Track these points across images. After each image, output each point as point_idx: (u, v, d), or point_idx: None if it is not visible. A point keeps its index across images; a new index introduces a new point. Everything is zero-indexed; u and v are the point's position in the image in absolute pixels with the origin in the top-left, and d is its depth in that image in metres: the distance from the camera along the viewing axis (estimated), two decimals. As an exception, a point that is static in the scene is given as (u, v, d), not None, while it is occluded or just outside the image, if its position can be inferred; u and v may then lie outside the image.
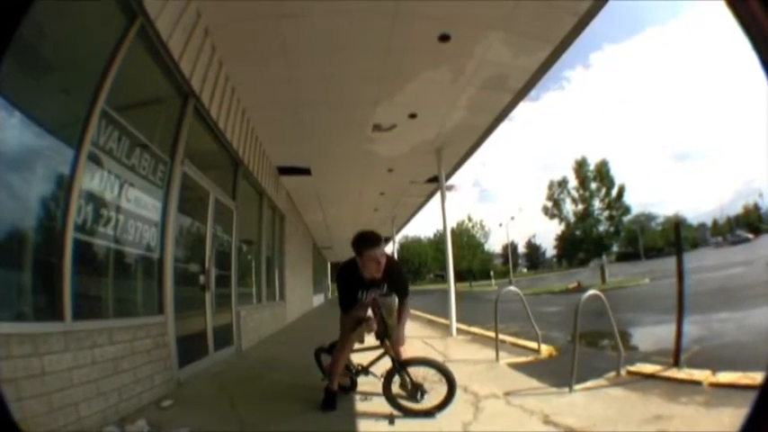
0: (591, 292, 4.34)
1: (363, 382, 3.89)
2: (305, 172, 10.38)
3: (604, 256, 37.70)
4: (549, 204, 41.57)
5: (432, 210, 18.61)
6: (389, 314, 3.73)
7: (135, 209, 3.89)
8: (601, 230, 38.90)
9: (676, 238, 5.75)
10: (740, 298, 11.76)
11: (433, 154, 8.85)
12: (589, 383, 3.89)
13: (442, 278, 31.48)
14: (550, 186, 41.76)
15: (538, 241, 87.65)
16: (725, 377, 3.48)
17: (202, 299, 5.66)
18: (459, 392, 3.36)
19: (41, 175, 2.87)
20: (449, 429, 3.06)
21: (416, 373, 3.37)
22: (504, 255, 68.91)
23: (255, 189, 8.91)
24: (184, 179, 4.90)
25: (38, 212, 2.85)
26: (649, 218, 71.19)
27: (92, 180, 3.25)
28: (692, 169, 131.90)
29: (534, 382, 4.17)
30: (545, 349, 5.69)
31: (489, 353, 5.68)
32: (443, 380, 3.27)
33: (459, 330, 8.11)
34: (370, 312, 3.62)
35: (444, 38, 5.19)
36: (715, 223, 75.21)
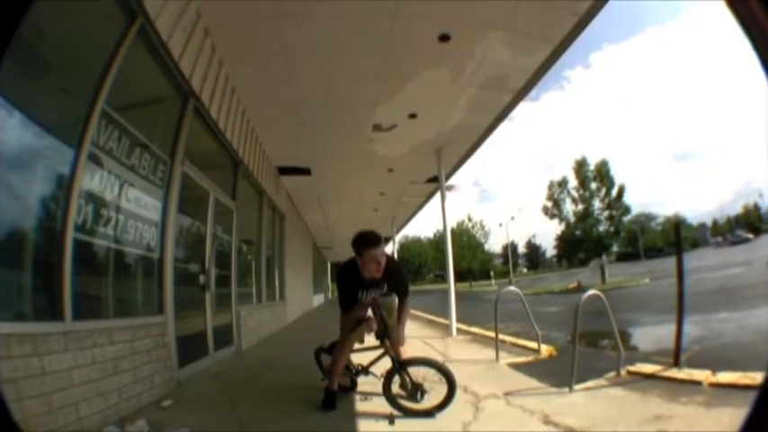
0: (591, 292, 4.34)
1: (363, 382, 3.89)
2: (305, 172, 10.38)
3: (604, 256, 37.70)
4: (549, 204, 41.60)
5: (432, 210, 18.64)
6: (389, 314, 3.73)
7: (135, 209, 3.89)
8: (601, 230, 38.91)
9: (676, 238, 5.75)
10: (740, 298, 11.77)
11: (432, 154, 8.85)
12: (589, 383, 3.89)
13: (442, 278, 31.48)
14: (550, 186, 41.80)
15: (538, 241, 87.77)
16: (725, 377, 3.47)
17: (202, 299, 5.66)
18: (459, 392, 3.36)
19: (41, 174, 2.87)
20: (449, 429, 3.06)
21: (416, 373, 3.37)
22: (504, 255, 68.93)
23: (255, 189, 8.91)
24: (184, 179, 4.90)
25: (38, 212, 2.85)
26: (649, 218, 71.28)
27: (92, 180, 3.25)
28: (691, 169, 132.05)
29: (534, 382, 4.17)
30: (545, 349, 5.69)
31: (489, 353, 5.68)
32: (443, 380, 3.27)
33: (459, 330, 8.10)
34: (370, 312, 3.62)
35: (444, 38, 5.19)
36: (715, 223, 75.26)
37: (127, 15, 3.60)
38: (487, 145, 9.12)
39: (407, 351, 3.72)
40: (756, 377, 3.17)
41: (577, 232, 40.37)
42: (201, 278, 5.65)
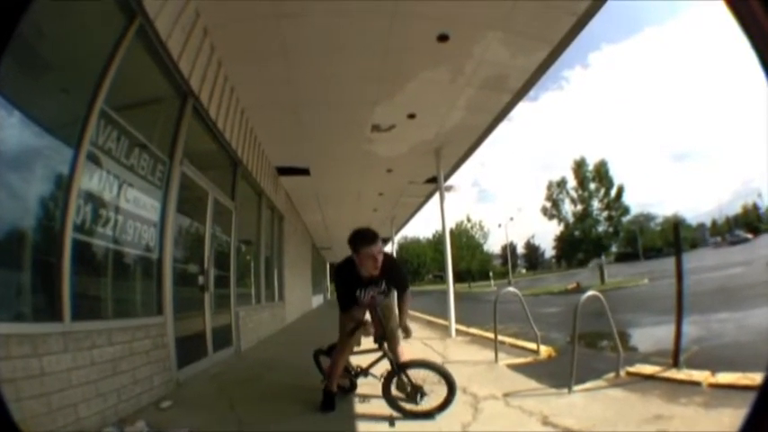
0: (590, 292, 4.35)
1: (363, 384, 3.88)
2: (304, 172, 10.38)
3: (603, 257, 37.64)
4: (548, 205, 41.56)
5: (431, 210, 18.66)
6: (388, 316, 3.73)
7: (134, 209, 3.88)
8: (600, 231, 38.88)
9: (675, 238, 5.77)
10: (740, 298, 11.76)
11: (431, 154, 8.85)
12: (588, 384, 3.89)
13: (441, 279, 31.47)
14: (549, 187, 41.75)
15: (537, 242, 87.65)
16: (724, 378, 3.48)
17: (201, 299, 5.65)
18: (458, 393, 3.36)
19: (40, 174, 2.87)
20: (448, 430, 3.06)
21: (416, 375, 3.36)
22: (504, 255, 68.89)
23: (254, 189, 8.90)
24: (183, 179, 4.90)
25: (37, 212, 2.85)
26: (648, 218, 71.20)
27: (91, 180, 3.25)
28: (690, 169, 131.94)
29: (533, 383, 4.17)
30: (544, 350, 5.69)
31: (488, 354, 5.68)
32: (443, 381, 3.26)
33: (458, 331, 8.10)
34: (368, 316, 3.61)
35: (443, 38, 5.19)
36: (714, 223, 75.16)
37: (126, 15, 3.60)
38: (486, 145, 9.15)
39: (406, 352, 3.72)
40: (756, 378, 3.17)
41: (576, 233, 40.34)
42: (200, 279, 5.64)
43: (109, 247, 3.59)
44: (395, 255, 19.15)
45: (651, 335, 8.42)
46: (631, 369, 4.14)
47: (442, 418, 3.23)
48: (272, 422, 3.39)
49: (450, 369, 3.36)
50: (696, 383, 3.51)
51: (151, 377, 3.85)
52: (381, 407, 3.41)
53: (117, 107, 3.47)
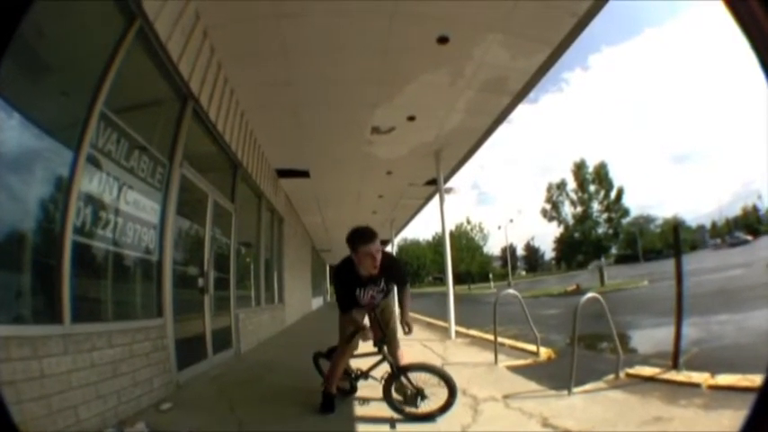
0: (590, 294, 4.35)
1: (363, 387, 3.87)
2: (304, 174, 10.38)
3: (603, 259, 37.72)
4: (548, 207, 41.72)
5: (430, 212, 18.63)
6: (388, 316, 3.73)
7: (134, 211, 3.88)
8: (599, 233, 39.01)
9: (675, 240, 5.76)
10: (739, 300, 11.76)
11: (431, 156, 8.87)
12: (588, 386, 3.89)
13: (441, 281, 31.42)
14: (549, 189, 41.95)
15: (536, 244, 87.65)
16: (724, 379, 3.47)
17: (201, 302, 5.64)
18: (458, 395, 3.35)
19: (40, 176, 2.87)
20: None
21: (416, 377, 3.36)
22: (503, 257, 68.73)
23: (254, 191, 8.90)
24: (183, 181, 4.90)
25: (37, 214, 2.85)
26: (648, 220, 71.10)
27: (91, 182, 3.25)
28: (690, 171, 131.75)
29: (533, 385, 4.17)
30: (544, 352, 5.69)
31: (488, 356, 5.67)
32: (443, 384, 3.26)
33: (457, 333, 8.09)
34: (367, 320, 3.61)
35: (443, 40, 5.20)
36: (714, 225, 75.10)
37: (126, 16, 3.60)
38: (486, 147, 9.15)
39: (406, 354, 3.72)
40: (755, 379, 3.17)
41: (576, 235, 40.48)
42: (200, 281, 5.64)
43: (109, 250, 3.59)
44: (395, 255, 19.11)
45: (651, 337, 8.41)
46: (631, 371, 4.13)
47: (442, 420, 3.23)
48: (271, 424, 3.39)
49: (450, 371, 3.37)
50: (696, 385, 3.50)
51: (151, 379, 3.85)
52: (381, 409, 3.41)
53: (117, 109, 3.47)
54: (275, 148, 8.72)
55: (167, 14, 4.05)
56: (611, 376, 4.10)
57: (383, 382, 3.41)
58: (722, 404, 3.02)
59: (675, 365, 4.00)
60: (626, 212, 40.05)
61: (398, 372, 3.35)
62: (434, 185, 9.92)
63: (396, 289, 3.73)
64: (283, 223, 11.97)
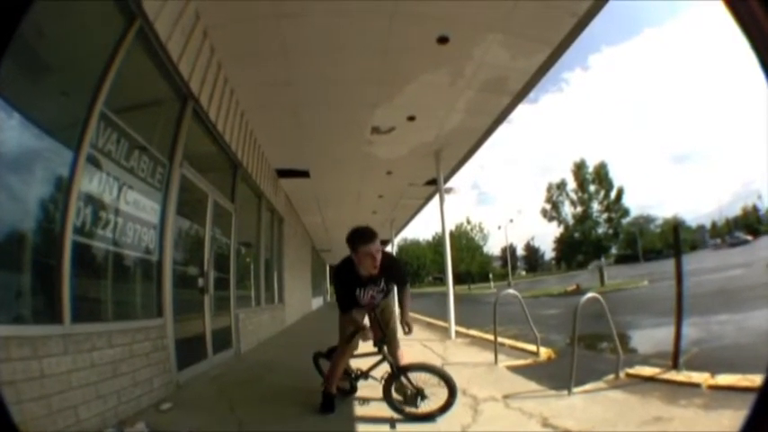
0: (589, 294, 4.35)
1: (363, 387, 3.87)
2: (304, 174, 10.38)
3: (603, 259, 37.71)
4: (548, 207, 41.72)
5: (430, 212, 18.63)
6: (388, 317, 3.73)
7: (134, 211, 3.88)
8: (599, 233, 39.00)
9: (675, 240, 5.76)
10: (739, 300, 11.76)
11: (431, 156, 8.87)
12: (588, 386, 3.89)
13: (441, 281, 31.42)
14: (549, 189, 41.95)
15: (537, 244, 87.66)
16: (724, 379, 3.47)
17: (201, 302, 5.64)
18: (458, 395, 3.35)
19: (40, 176, 2.87)
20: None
21: (416, 377, 3.36)
22: (503, 257, 68.71)
23: (254, 191, 8.90)
24: (183, 181, 4.90)
25: (37, 214, 2.85)
26: (648, 220, 71.09)
27: (91, 182, 3.25)
28: (690, 171, 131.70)
29: (533, 385, 4.17)
30: (544, 352, 5.69)
31: (488, 356, 5.67)
32: (443, 384, 3.26)
33: (457, 333, 8.09)
34: (367, 320, 3.61)
35: (443, 40, 5.20)
36: (714, 225, 75.09)
37: (126, 16, 3.60)
38: (486, 147, 9.15)
39: (406, 355, 3.72)
40: (755, 379, 3.17)
41: (576, 235, 40.49)
42: (200, 281, 5.64)
43: (109, 250, 3.59)
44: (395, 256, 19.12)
45: (651, 337, 8.41)
46: (631, 371, 4.13)
47: (442, 420, 3.23)
48: (271, 424, 3.39)
49: (450, 371, 3.37)
50: (696, 385, 3.50)
51: (151, 379, 3.85)
52: (381, 409, 3.41)
53: (117, 109, 3.47)
54: (275, 147, 8.72)
55: (167, 14, 4.05)
56: (611, 376, 4.10)
57: (383, 382, 3.40)
58: (722, 404, 3.01)
59: (675, 365, 4.00)
60: (626, 212, 40.10)
61: (398, 372, 3.35)
62: (434, 185, 9.92)
63: (396, 289, 3.73)
64: (283, 223, 11.97)
